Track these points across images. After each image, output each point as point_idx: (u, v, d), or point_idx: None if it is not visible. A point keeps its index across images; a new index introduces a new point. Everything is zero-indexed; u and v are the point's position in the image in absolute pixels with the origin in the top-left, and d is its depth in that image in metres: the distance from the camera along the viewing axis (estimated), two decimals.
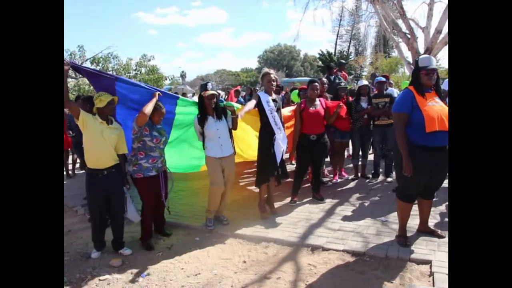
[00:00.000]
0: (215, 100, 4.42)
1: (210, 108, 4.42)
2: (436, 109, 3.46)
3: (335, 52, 53.80)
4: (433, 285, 3.13)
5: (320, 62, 50.57)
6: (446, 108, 3.45)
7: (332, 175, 6.60)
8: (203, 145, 4.54)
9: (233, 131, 4.70)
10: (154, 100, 4.06)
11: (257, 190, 5.12)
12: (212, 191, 4.52)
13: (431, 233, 4.02)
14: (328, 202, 5.35)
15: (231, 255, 3.99)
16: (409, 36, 10.84)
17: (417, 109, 3.49)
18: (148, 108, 3.96)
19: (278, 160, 4.67)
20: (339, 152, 6.52)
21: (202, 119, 4.40)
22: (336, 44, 55.93)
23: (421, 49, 10.76)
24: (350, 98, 6.37)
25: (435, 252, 3.66)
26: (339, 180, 6.46)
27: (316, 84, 5.27)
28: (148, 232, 4.30)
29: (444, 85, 6.38)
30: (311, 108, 5.18)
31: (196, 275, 3.60)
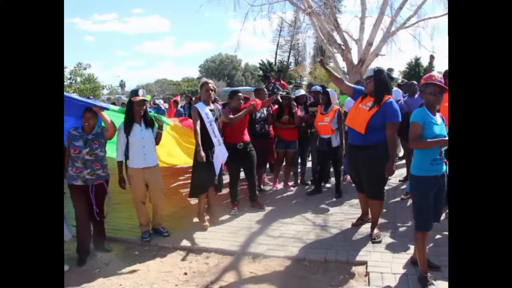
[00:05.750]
0: (144, 107, 4.34)
1: (138, 115, 4.32)
2: (356, 109, 4.12)
3: (275, 62, 54.98)
4: (369, 284, 3.27)
5: (261, 72, 51.45)
6: (365, 112, 3.98)
7: (272, 183, 6.62)
8: (124, 155, 4.37)
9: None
10: (102, 114, 4.08)
11: (197, 200, 5.06)
12: (134, 204, 4.50)
13: (370, 235, 4.21)
14: (268, 210, 5.39)
15: (171, 268, 3.89)
16: (343, 48, 11.34)
17: None
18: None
19: (217, 172, 4.71)
20: (286, 162, 6.46)
21: (128, 126, 4.28)
22: (276, 54, 57.18)
23: (355, 60, 11.30)
24: (296, 107, 6.20)
25: (371, 253, 3.83)
26: (279, 188, 6.48)
27: (240, 94, 5.34)
28: (82, 243, 4.08)
29: (394, 95, 6.66)
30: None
31: None
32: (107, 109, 4.36)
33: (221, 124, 5.02)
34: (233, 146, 5.14)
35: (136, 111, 4.29)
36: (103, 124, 4.18)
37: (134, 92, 4.37)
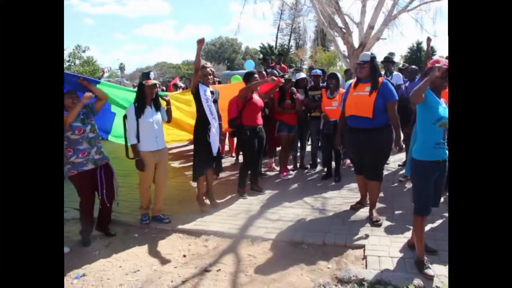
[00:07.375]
0: (156, 90, 4.31)
1: (149, 98, 4.29)
2: (355, 97, 4.15)
3: (276, 45, 54.49)
4: (366, 267, 3.30)
5: (262, 55, 51.06)
6: (367, 97, 4.01)
7: (278, 168, 6.50)
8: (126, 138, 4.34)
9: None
10: (92, 86, 4.09)
11: (195, 184, 5.07)
12: (142, 188, 4.48)
13: (369, 218, 4.26)
14: (268, 193, 5.41)
15: (171, 250, 3.93)
16: (344, 31, 11.22)
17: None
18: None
19: (214, 151, 4.67)
20: (286, 146, 6.34)
21: (139, 109, 4.22)
22: (277, 38, 56.62)
23: (356, 44, 11.19)
24: (297, 91, 6.20)
25: (369, 237, 3.85)
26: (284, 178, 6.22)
27: (256, 76, 5.34)
28: (87, 226, 4.11)
29: (394, 79, 6.66)
30: (254, 98, 5.20)
31: (135, 272, 3.51)
32: (99, 82, 4.34)
33: (239, 106, 5.11)
34: (252, 128, 5.17)
35: (148, 94, 4.25)
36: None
37: (146, 75, 4.30)
